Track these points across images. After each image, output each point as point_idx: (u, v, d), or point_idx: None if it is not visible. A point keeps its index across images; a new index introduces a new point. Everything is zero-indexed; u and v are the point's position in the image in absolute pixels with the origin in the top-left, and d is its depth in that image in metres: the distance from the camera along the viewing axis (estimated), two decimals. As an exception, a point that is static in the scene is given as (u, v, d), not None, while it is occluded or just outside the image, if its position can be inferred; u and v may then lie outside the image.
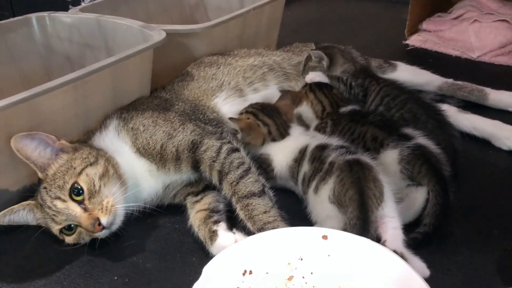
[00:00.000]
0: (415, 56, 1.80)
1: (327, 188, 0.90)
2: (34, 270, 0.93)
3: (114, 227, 0.93)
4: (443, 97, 1.36)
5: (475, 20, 1.80)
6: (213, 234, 0.92)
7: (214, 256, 0.80)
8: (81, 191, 0.90)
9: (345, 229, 0.84)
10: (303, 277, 0.80)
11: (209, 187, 1.04)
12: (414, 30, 1.97)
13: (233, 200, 0.95)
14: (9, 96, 0.92)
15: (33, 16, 1.40)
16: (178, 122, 1.04)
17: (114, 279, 0.90)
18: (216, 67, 1.28)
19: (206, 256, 0.91)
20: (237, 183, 0.94)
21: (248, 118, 1.09)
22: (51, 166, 0.94)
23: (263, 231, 0.87)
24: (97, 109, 1.09)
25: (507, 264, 0.87)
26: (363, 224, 0.82)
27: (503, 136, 1.19)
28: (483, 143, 1.22)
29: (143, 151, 1.01)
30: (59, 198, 0.90)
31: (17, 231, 0.99)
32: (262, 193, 0.94)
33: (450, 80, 1.38)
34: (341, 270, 0.78)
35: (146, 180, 1.01)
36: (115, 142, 1.02)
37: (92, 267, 0.93)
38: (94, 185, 0.91)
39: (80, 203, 0.90)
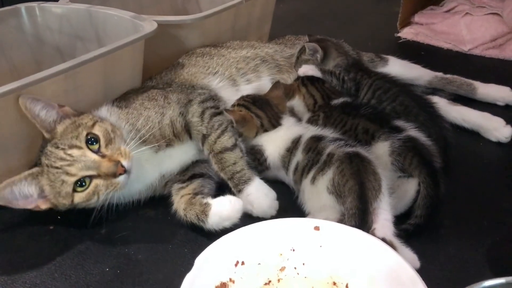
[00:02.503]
0: (407, 49, 1.81)
1: (326, 179, 0.90)
2: (25, 262, 0.92)
3: (132, 176, 0.93)
4: (434, 90, 1.37)
5: (466, 13, 1.82)
6: (205, 206, 0.93)
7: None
8: (95, 141, 0.91)
9: (341, 220, 0.84)
10: (295, 267, 0.80)
11: (195, 176, 1.05)
12: (406, 23, 1.97)
13: (210, 156, 1.03)
14: (-3, 87, 0.91)
15: (23, 7, 1.37)
16: (161, 97, 1.07)
17: (105, 270, 0.89)
18: (208, 57, 1.28)
19: (198, 247, 0.90)
20: (215, 142, 1.02)
21: (241, 111, 1.09)
22: (59, 125, 0.94)
23: (233, 180, 0.99)
24: (87, 100, 1.08)
25: (497, 254, 0.88)
26: (362, 214, 0.83)
27: (492, 128, 1.20)
28: (474, 135, 1.23)
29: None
30: (75, 146, 0.90)
31: (8, 223, 0.98)
32: (234, 146, 1.02)
33: (440, 74, 1.38)
34: (333, 260, 0.79)
35: (143, 170, 1.00)
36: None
37: (83, 259, 0.92)
38: (109, 134, 0.92)
39: (95, 152, 0.90)
